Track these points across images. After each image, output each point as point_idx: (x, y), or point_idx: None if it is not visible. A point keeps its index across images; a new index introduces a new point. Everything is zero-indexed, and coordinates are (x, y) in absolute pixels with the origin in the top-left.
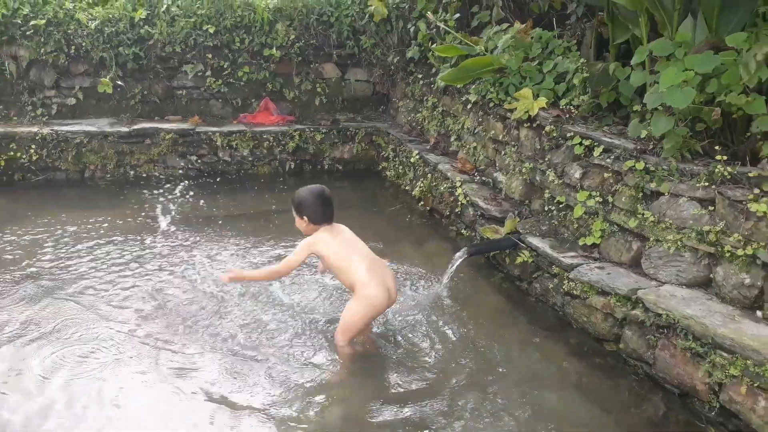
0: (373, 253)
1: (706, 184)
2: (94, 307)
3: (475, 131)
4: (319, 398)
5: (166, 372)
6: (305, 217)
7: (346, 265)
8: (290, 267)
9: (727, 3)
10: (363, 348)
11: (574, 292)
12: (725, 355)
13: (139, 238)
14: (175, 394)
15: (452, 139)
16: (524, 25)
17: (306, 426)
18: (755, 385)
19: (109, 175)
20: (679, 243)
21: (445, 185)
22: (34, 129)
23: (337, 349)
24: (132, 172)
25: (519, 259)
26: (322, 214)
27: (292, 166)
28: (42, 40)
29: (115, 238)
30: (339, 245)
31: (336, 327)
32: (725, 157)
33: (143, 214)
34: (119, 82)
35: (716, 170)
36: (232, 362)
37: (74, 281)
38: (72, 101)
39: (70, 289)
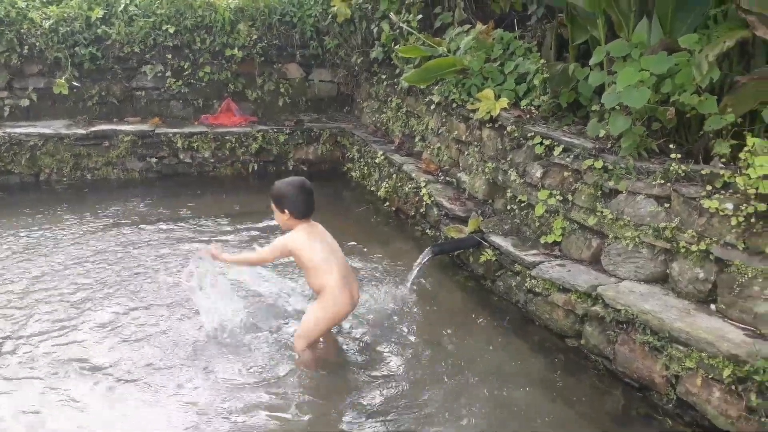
0: (343, 255)
1: (662, 181)
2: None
3: (439, 132)
4: (281, 405)
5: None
6: (286, 211)
7: (324, 269)
8: (262, 260)
9: (680, 5)
10: (325, 351)
11: (536, 289)
12: (681, 348)
13: (93, 241)
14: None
15: (416, 139)
16: (486, 26)
17: None
18: (710, 376)
19: (65, 179)
20: (636, 240)
21: (410, 186)
22: None
23: (297, 355)
24: (89, 175)
25: (482, 258)
26: (305, 207)
27: (256, 168)
28: None
29: (67, 241)
30: (320, 247)
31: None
32: (680, 156)
33: (101, 217)
34: (75, 83)
35: (671, 168)
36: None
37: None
38: (26, 102)
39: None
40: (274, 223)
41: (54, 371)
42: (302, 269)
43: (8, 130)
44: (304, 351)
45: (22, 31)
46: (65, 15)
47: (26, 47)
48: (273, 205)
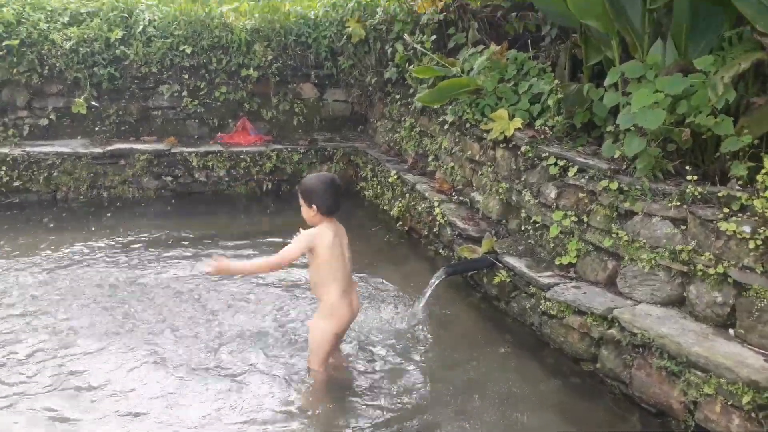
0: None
1: (678, 203)
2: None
3: (452, 151)
4: (294, 427)
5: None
6: (314, 206)
7: (333, 276)
8: (289, 258)
9: (695, 27)
10: (336, 372)
11: (551, 311)
12: (699, 373)
13: (111, 259)
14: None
15: (430, 159)
16: (499, 47)
17: None
18: (729, 403)
19: (82, 197)
20: (653, 262)
21: (423, 205)
22: (5, 150)
23: (313, 376)
24: (106, 194)
25: (496, 279)
26: (333, 203)
27: (270, 187)
28: (15, 60)
29: (83, 260)
30: (339, 252)
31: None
32: (696, 177)
33: (115, 235)
34: (94, 103)
35: (687, 190)
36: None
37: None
38: (45, 122)
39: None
40: (279, 241)
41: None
42: (313, 268)
43: (27, 148)
44: (318, 372)
45: (43, 51)
46: (85, 36)
47: (47, 67)
48: (301, 200)
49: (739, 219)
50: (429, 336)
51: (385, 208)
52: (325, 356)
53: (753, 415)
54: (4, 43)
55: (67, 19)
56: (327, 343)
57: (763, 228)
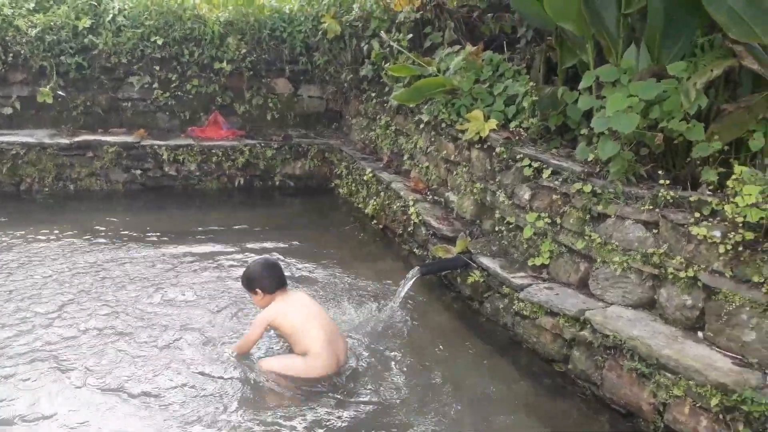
0: (329, 318)
1: (651, 207)
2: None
3: (428, 151)
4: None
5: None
6: (258, 290)
7: (303, 334)
8: (249, 343)
9: (668, 33)
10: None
11: (524, 312)
12: (669, 375)
13: (72, 254)
14: None
15: (405, 158)
16: (475, 47)
17: None
18: (697, 405)
19: (47, 189)
20: (624, 265)
21: (398, 204)
22: None
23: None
24: (72, 186)
25: (470, 279)
26: (275, 280)
27: (242, 182)
28: None
29: (48, 254)
30: (296, 314)
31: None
32: (668, 182)
33: (81, 229)
34: (60, 92)
35: (659, 194)
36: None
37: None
38: (8, 111)
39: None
40: (253, 245)
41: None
42: (285, 336)
43: None
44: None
45: (7, 38)
46: (52, 23)
47: (11, 55)
48: (247, 292)
49: (710, 223)
50: (402, 335)
51: (359, 206)
52: (272, 372)
53: (721, 416)
54: None
55: (32, 5)
56: (286, 377)
57: (732, 233)
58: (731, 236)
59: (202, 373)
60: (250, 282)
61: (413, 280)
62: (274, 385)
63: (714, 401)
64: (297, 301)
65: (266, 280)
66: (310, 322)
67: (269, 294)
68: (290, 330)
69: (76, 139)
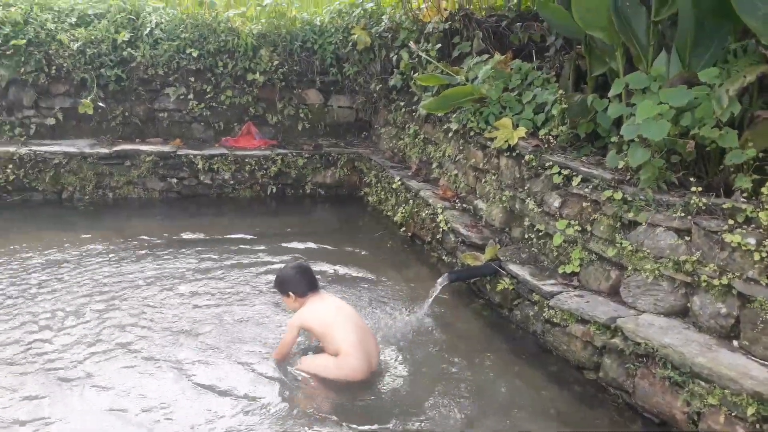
0: (361, 320)
1: (682, 214)
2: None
3: (456, 159)
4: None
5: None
6: (291, 294)
7: (335, 335)
8: (285, 348)
9: (699, 39)
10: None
11: (554, 319)
12: (703, 384)
13: (113, 259)
14: None
15: (434, 166)
16: (504, 56)
17: None
18: (733, 414)
19: (87, 197)
20: (656, 272)
21: (426, 211)
22: (12, 149)
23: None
24: (111, 194)
25: (500, 286)
26: (307, 284)
27: (274, 190)
28: (22, 59)
29: (89, 260)
30: (327, 315)
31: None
32: (700, 189)
33: (120, 236)
34: (100, 104)
35: (692, 201)
36: None
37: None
38: (51, 121)
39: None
40: (284, 251)
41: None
42: (317, 337)
43: (34, 147)
44: (281, 361)
45: (50, 52)
46: (93, 37)
47: (54, 68)
48: (280, 295)
49: (744, 231)
50: (431, 341)
51: (388, 213)
52: (307, 373)
53: (758, 426)
54: (11, 43)
55: (74, 19)
56: (317, 378)
57: (767, 240)
58: (766, 243)
59: (236, 372)
60: (282, 285)
61: (442, 286)
62: (306, 387)
63: (750, 410)
64: (328, 303)
65: (299, 284)
66: (341, 322)
67: (301, 297)
68: (322, 331)
69: (115, 148)
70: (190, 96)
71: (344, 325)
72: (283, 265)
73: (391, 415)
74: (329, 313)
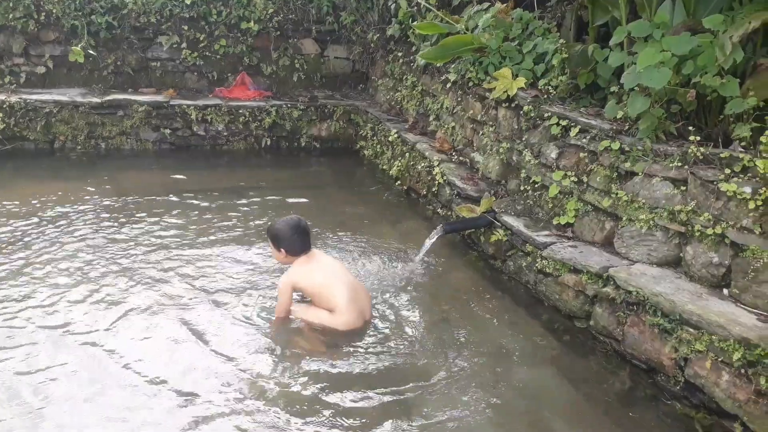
0: (351, 276)
1: (680, 164)
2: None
3: (454, 111)
4: (276, 378)
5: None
6: (282, 250)
7: (328, 293)
8: (282, 310)
9: None
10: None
11: (547, 270)
12: (691, 330)
13: (104, 211)
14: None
15: (431, 118)
16: (505, 5)
17: (266, 407)
18: (719, 359)
19: (79, 147)
20: (651, 222)
21: (422, 165)
22: (2, 97)
23: (275, 321)
24: (103, 144)
25: (493, 238)
26: (301, 244)
27: (269, 143)
28: (10, 5)
29: (82, 209)
30: (320, 275)
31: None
32: (699, 139)
33: (111, 187)
34: (91, 52)
35: (690, 151)
36: None
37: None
38: (42, 70)
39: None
40: (278, 205)
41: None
42: (310, 297)
43: (24, 96)
44: (282, 318)
45: None
46: None
47: (43, 14)
48: (270, 244)
49: (740, 180)
50: (425, 291)
51: (384, 167)
52: (287, 317)
53: (742, 371)
54: None
55: None
56: (312, 326)
57: (764, 188)
58: (762, 192)
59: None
60: (276, 239)
61: (436, 238)
62: (299, 338)
63: (736, 356)
64: (320, 261)
65: (293, 244)
66: (333, 280)
67: (293, 256)
68: (315, 290)
69: (107, 98)
70: (183, 45)
71: (337, 286)
72: (280, 218)
73: (382, 364)
74: (321, 274)
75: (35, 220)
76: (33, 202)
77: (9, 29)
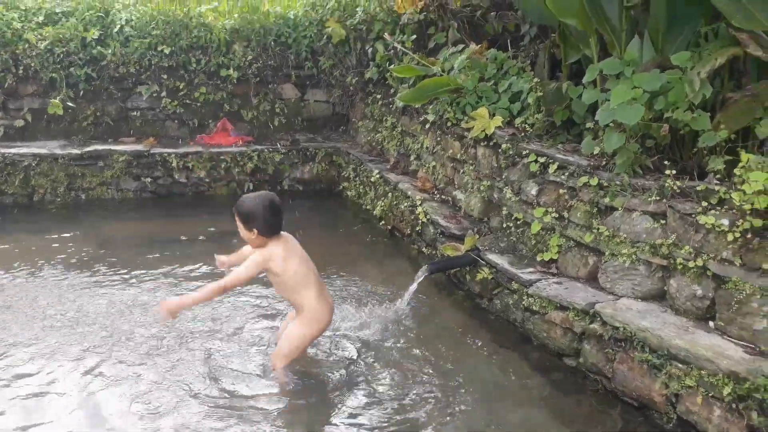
0: (316, 269)
1: (658, 198)
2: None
3: (434, 150)
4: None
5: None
6: (255, 230)
7: (303, 284)
8: (239, 281)
9: (671, 24)
10: (301, 365)
11: (534, 307)
12: (680, 366)
13: (83, 262)
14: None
15: (412, 158)
16: (479, 46)
17: None
18: (710, 395)
19: (59, 199)
20: (633, 256)
21: (405, 204)
22: None
23: (276, 374)
24: (84, 195)
25: (479, 276)
26: (273, 225)
27: (251, 187)
28: None
29: (58, 263)
30: (298, 262)
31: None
32: (674, 172)
33: (92, 238)
34: (70, 104)
35: (666, 185)
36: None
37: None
38: (20, 123)
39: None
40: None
41: None
42: (277, 284)
43: (2, 150)
44: (283, 369)
45: (17, 51)
46: (61, 36)
47: (21, 68)
48: (238, 221)
49: (718, 212)
50: (410, 333)
51: (367, 207)
52: (294, 358)
53: (734, 406)
54: None
55: (41, 18)
56: (302, 348)
57: (741, 221)
58: (739, 224)
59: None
60: (248, 219)
61: (421, 278)
62: (277, 385)
63: (726, 390)
64: (294, 246)
65: (268, 226)
66: (307, 272)
67: (264, 237)
68: (288, 277)
69: (87, 149)
70: (163, 94)
71: (309, 274)
72: (253, 194)
73: (370, 407)
74: (297, 261)
75: (8, 271)
76: (13, 254)
77: None
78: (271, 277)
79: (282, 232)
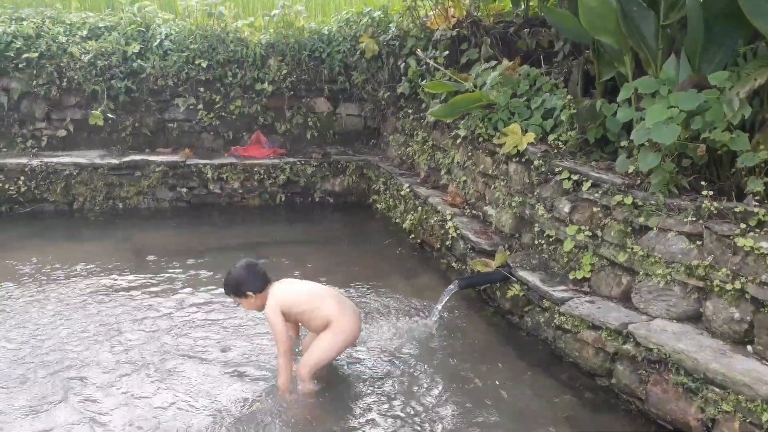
0: (331, 287)
1: (694, 219)
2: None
3: (465, 165)
4: None
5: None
6: (249, 293)
7: (316, 305)
8: (282, 339)
9: (709, 42)
10: (328, 376)
11: (565, 326)
12: (717, 390)
13: (121, 270)
14: None
15: (442, 172)
16: (512, 62)
17: None
18: (747, 420)
19: (97, 207)
20: (668, 277)
21: (435, 218)
22: (24, 160)
23: (303, 383)
24: (121, 204)
25: (510, 293)
26: (262, 278)
27: (283, 199)
28: (34, 72)
29: (95, 270)
30: (301, 286)
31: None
32: (711, 192)
33: (128, 246)
34: (110, 115)
35: (703, 205)
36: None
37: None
38: (63, 133)
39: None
40: (292, 260)
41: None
42: (300, 316)
43: (45, 159)
44: (310, 379)
45: (62, 64)
46: (103, 49)
47: (65, 80)
48: (236, 298)
49: (757, 235)
50: (441, 348)
51: (397, 221)
52: (320, 368)
53: None
54: (23, 56)
55: (85, 32)
56: (329, 359)
57: None
58: None
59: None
60: (238, 288)
61: (451, 293)
62: (305, 398)
63: (765, 416)
64: (290, 284)
65: (255, 281)
66: (313, 292)
67: (260, 293)
68: (302, 303)
69: (125, 159)
70: (200, 106)
71: (321, 293)
72: (231, 270)
73: (399, 423)
74: (301, 285)
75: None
76: (51, 261)
77: (32, 95)
78: (291, 320)
79: (271, 280)
